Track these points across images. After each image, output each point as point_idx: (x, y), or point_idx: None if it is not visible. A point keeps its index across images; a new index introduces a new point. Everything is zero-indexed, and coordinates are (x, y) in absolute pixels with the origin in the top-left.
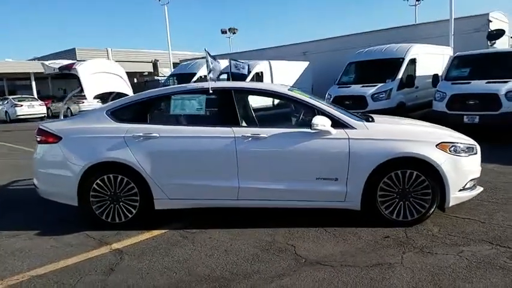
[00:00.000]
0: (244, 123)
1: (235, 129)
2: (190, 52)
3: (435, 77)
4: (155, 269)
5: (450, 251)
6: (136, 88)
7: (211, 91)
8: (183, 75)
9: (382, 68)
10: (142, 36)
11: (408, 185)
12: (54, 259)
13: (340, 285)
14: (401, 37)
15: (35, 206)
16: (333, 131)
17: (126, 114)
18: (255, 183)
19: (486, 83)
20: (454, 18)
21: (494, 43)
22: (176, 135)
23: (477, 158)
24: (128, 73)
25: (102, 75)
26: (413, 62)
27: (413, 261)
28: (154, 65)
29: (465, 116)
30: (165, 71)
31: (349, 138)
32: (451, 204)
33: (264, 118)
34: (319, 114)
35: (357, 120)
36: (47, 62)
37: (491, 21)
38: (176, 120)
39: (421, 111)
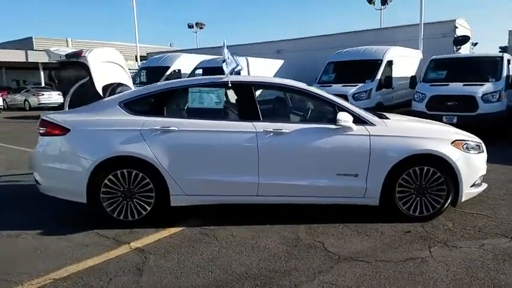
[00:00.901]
0: (264, 118)
1: (256, 124)
2: (158, 46)
3: (413, 79)
4: (187, 268)
5: (472, 244)
6: None
7: (230, 85)
8: (154, 69)
9: (361, 69)
10: (105, 27)
11: (425, 181)
12: (72, 260)
13: (383, 280)
14: (374, 39)
15: (29, 204)
16: (355, 127)
17: (141, 106)
18: (276, 179)
19: (463, 85)
20: (424, 23)
21: (460, 48)
22: (196, 129)
23: (484, 155)
24: None
25: (108, 65)
26: (390, 63)
27: (442, 255)
28: None
29: (444, 117)
30: (130, 64)
31: (370, 135)
32: (463, 200)
33: (283, 113)
34: (340, 111)
35: (376, 117)
36: (51, 49)
37: (457, 28)
38: (194, 113)
39: (396, 111)
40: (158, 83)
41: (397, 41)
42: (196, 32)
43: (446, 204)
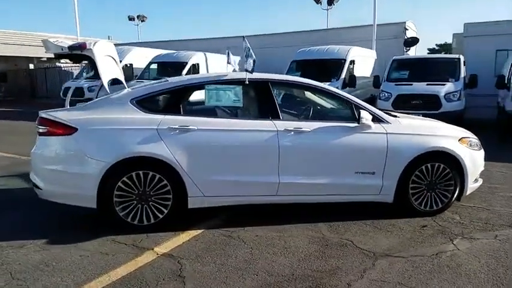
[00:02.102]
0: (284, 117)
1: (276, 122)
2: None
3: (376, 78)
4: (228, 272)
5: (487, 236)
6: (38, 74)
7: (247, 82)
8: None
9: (325, 68)
10: (40, 19)
11: (435, 177)
12: (99, 271)
13: (427, 274)
14: (329, 39)
15: (23, 209)
16: (373, 125)
17: (156, 104)
18: (296, 178)
19: (426, 85)
20: (376, 25)
21: (409, 49)
22: (215, 128)
23: (483, 152)
24: (22, 58)
25: (109, 59)
26: (352, 63)
27: (467, 247)
28: None
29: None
30: None
31: (387, 133)
32: (467, 194)
33: (299, 111)
34: (356, 109)
35: (390, 116)
36: (51, 40)
37: (407, 29)
38: (212, 112)
39: None
40: (172, 80)
41: (351, 41)
42: (137, 25)
43: (453, 199)
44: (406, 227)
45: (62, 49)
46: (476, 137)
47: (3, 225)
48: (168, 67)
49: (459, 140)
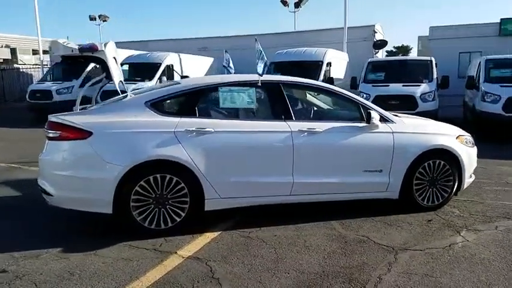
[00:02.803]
0: (296, 117)
1: (290, 123)
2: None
3: (353, 80)
4: (260, 272)
5: (488, 227)
6: None
7: (259, 84)
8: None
9: (303, 70)
10: None
11: (436, 173)
12: (128, 277)
13: (448, 265)
14: (301, 41)
15: (20, 218)
16: (380, 125)
17: (172, 106)
18: (309, 178)
19: (403, 86)
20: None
21: (378, 52)
22: (232, 130)
23: (476, 149)
24: None
25: (114, 60)
26: (329, 65)
27: (474, 238)
28: (13, 50)
29: None
30: (26, 59)
31: (393, 132)
32: (464, 188)
33: (310, 112)
34: (364, 110)
35: (394, 116)
36: (60, 41)
37: (376, 32)
38: (227, 114)
39: None
40: (184, 82)
41: (323, 44)
42: (99, 25)
43: (452, 194)
44: (413, 221)
45: (72, 51)
46: (470, 135)
47: (6, 234)
48: (141, 68)
49: (456, 137)
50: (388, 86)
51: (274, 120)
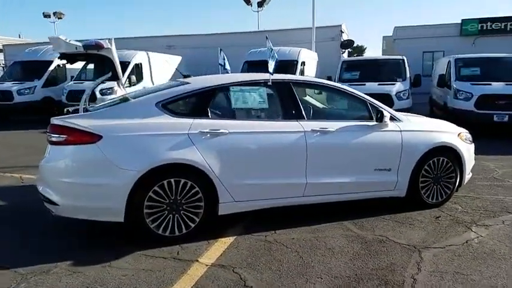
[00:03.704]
0: (307, 117)
1: (302, 123)
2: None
3: (329, 79)
4: (291, 277)
5: (495, 222)
6: None
7: (270, 83)
8: (33, 63)
9: (278, 69)
10: None
11: (440, 170)
12: None
13: (472, 261)
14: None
15: (21, 228)
16: (389, 123)
17: (183, 107)
18: (322, 178)
19: (378, 84)
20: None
21: (345, 51)
22: (246, 131)
23: (473, 146)
24: None
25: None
26: (303, 64)
27: (486, 233)
28: None
29: None
30: None
31: (401, 131)
32: (464, 185)
33: (321, 111)
34: (373, 108)
35: (400, 114)
36: (62, 37)
37: (343, 32)
38: (239, 114)
39: None
40: (194, 81)
41: (291, 43)
42: (54, 23)
43: (455, 190)
44: (423, 219)
45: (76, 48)
46: (468, 132)
47: (3, 248)
48: (109, 67)
49: (458, 135)
50: (364, 84)
51: (287, 120)
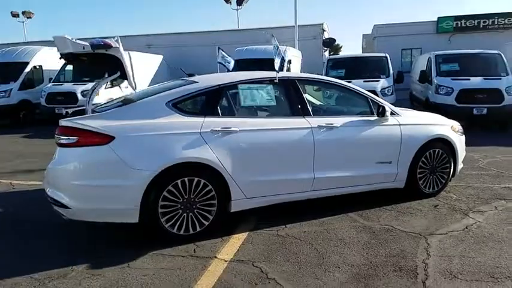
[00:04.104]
0: (313, 113)
1: (309, 119)
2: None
3: None
4: (311, 268)
5: (488, 208)
6: None
7: (277, 80)
8: (7, 65)
9: (266, 67)
10: None
11: (435, 161)
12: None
13: (476, 245)
14: (251, 39)
15: (26, 232)
16: (390, 118)
17: (194, 105)
18: (328, 173)
19: (364, 81)
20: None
21: (327, 50)
22: (256, 128)
23: (464, 137)
24: None
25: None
26: (289, 62)
27: (483, 218)
28: None
29: None
30: None
31: (400, 124)
32: (456, 175)
33: (325, 107)
34: (373, 104)
35: (398, 109)
36: (68, 36)
37: (325, 31)
38: (249, 112)
39: None
40: (202, 79)
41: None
42: (23, 22)
43: (449, 180)
44: (422, 208)
45: (84, 48)
46: (459, 124)
47: (11, 254)
48: (87, 68)
49: (450, 127)
50: (350, 81)
51: (294, 117)
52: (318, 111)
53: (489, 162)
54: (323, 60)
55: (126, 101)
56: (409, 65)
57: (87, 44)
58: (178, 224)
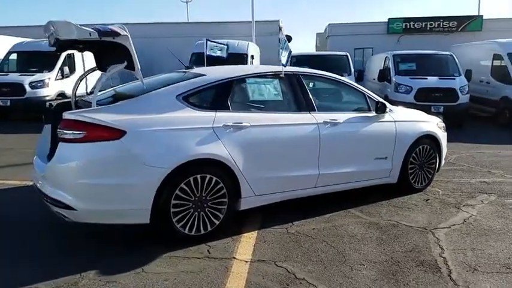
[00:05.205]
0: (317, 109)
1: (315, 115)
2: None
3: None
4: (337, 266)
5: (475, 202)
6: None
7: (283, 75)
8: None
9: (229, 61)
10: None
11: (423, 157)
12: None
13: (481, 238)
14: (210, 32)
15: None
16: (387, 114)
17: (205, 99)
18: (332, 169)
19: None
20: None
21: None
22: (266, 123)
23: (446, 134)
24: None
25: None
26: (252, 57)
27: (476, 212)
28: None
29: None
30: None
31: (395, 121)
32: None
33: (327, 103)
34: (370, 100)
35: (391, 105)
36: (73, 21)
37: (281, 28)
38: (257, 106)
39: None
40: (210, 73)
41: (231, 36)
42: None
43: (435, 175)
44: (416, 202)
45: (90, 34)
46: (442, 121)
47: (13, 261)
48: (36, 58)
49: (437, 124)
50: None
51: (301, 113)
52: (321, 107)
53: (457, 158)
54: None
55: (118, 95)
56: (361, 64)
57: (93, 30)
58: (189, 224)
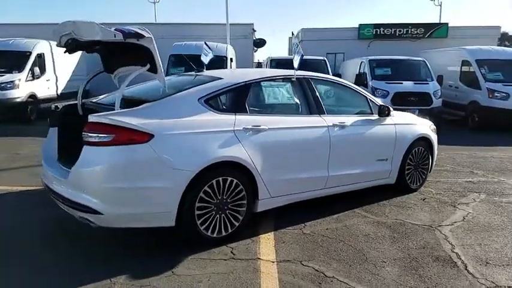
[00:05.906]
0: (326, 112)
1: (325, 117)
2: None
3: None
4: (361, 265)
5: (468, 200)
6: None
7: (294, 79)
8: None
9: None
10: None
11: (418, 158)
12: None
13: (484, 233)
14: (180, 33)
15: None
16: (388, 117)
17: (224, 103)
18: (340, 171)
19: None
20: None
21: (257, 50)
22: (282, 126)
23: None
24: None
25: None
26: (231, 60)
27: (471, 210)
28: None
29: None
30: None
31: (395, 124)
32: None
33: (333, 106)
34: (372, 104)
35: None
36: (96, 21)
37: (255, 31)
38: (273, 109)
39: None
40: (227, 77)
41: (205, 38)
42: None
43: (428, 175)
44: (414, 202)
45: (115, 36)
46: (433, 123)
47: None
48: (5, 57)
49: (429, 126)
50: None
51: (313, 115)
52: (329, 110)
53: (439, 159)
54: (254, 60)
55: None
56: (333, 69)
57: (118, 31)
58: (212, 226)
